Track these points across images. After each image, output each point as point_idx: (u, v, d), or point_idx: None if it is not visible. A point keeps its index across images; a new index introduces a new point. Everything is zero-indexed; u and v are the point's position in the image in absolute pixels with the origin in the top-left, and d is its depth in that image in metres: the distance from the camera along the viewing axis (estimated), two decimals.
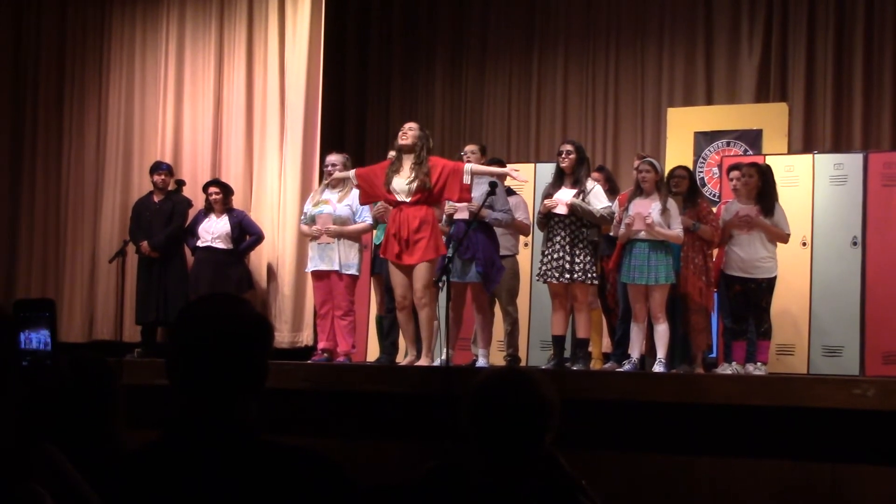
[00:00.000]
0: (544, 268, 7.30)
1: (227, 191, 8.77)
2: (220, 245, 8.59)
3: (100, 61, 10.19)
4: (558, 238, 7.28)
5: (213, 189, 8.71)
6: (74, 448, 2.36)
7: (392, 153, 7.47)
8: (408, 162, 7.12)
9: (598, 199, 7.29)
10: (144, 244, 8.76)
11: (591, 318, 7.54)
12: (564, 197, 7.24)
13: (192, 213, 9.10)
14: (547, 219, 7.33)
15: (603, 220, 7.26)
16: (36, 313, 2.75)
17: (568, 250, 7.23)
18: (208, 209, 8.72)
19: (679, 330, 7.38)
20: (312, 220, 7.81)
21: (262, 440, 1.98)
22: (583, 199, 7.25)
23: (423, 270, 7.02)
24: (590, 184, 7.36)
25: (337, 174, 7.72)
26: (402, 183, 7.07)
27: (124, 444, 2.67)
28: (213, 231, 8.62)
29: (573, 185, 7.32)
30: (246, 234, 8.75)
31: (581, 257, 7.22)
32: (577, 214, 7.21)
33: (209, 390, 1.97)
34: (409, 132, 7.16)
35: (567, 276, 7.21)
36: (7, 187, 10.33)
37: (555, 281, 7.26)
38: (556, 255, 7.26)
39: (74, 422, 2.63)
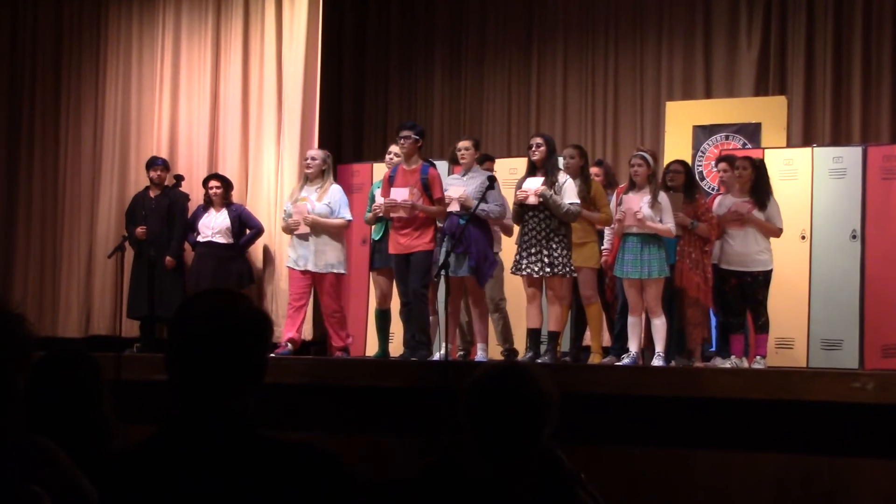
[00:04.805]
0: (523, 262, 7.26)
1: (227, 185, 8.79)
2: (220, 240, 8.61)
3: (96, 56, 10.15)
4: (534, 232, 7.26)
5: (213, 183, 8.73)
6: (62, 443, 2.33)
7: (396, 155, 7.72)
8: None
9: (567, 194, 7.24)
10: (140, 229, 8.71)
11: (564, 312, 7.44)
12: (533, 185, 7.21)
13: (190, 207, 9.09)
14: (522, 211, 7.31)
15: (568, 215, 7.18)
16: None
17: (544, 244, 7.21)
18: (208, 204, 8.73)
19: (676, 324, 7.37)
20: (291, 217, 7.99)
21: (260, 435, 1.98)
22: (553, 193, 7.21)
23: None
24: (561, 177, 7.30)
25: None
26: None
27: (115, 438, 2.64)
28: (214, 226, 8.63)
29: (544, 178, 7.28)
30: (246, 227, 8.77)
31: (558, 250, 7.20)
32: (547, 204, 7.17)
33: (208, 385, 1.97)
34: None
35: (547, 269, 7.19)
36: (4, 182, 10.29)
37: (535, 275, 7.24)
38: (532, 250, 7.24)
39: (56, 416, 2.60)
